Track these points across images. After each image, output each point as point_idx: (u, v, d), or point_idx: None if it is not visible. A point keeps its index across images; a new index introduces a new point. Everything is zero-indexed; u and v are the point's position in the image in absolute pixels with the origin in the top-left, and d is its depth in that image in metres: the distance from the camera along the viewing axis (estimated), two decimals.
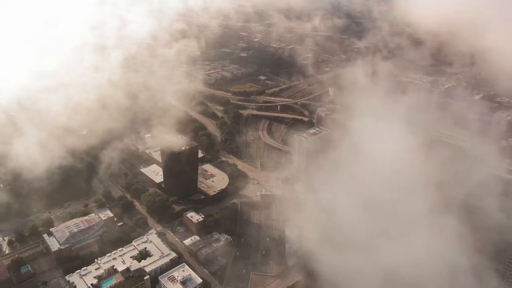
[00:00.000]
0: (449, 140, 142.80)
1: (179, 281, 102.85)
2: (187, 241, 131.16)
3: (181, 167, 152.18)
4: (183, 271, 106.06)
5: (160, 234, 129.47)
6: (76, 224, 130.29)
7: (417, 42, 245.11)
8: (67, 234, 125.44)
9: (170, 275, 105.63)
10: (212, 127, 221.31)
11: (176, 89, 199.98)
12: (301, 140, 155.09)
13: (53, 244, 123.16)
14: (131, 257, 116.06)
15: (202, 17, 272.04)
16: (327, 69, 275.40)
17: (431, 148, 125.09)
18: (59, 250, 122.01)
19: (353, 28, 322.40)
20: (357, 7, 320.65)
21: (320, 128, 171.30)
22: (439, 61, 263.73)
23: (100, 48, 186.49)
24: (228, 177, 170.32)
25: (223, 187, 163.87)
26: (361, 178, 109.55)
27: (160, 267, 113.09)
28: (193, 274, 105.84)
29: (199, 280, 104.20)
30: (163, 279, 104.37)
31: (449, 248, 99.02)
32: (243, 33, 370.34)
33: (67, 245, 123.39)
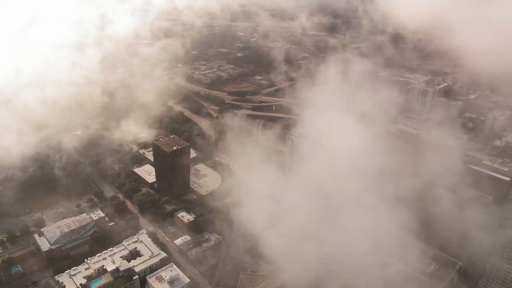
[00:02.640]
0: (415, 133, 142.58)
1: (166, 281, 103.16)
2: (178, 241, 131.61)
3: (173, 167, 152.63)
4: (170, 271, 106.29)
5: (150, 234, 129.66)
6: (67, 224, 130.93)
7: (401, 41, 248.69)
8: (58, 234, 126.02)
9: (158, 275, 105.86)
10: (206, 127, 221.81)
11: (170, 88, 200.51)
12: (292, 140, 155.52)
13: (44, 244, 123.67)
14: (121, 257, 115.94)
15: (186, 15, 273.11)
16: (323, 68, 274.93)
17: (394, 141, 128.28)
18: (50, 250, 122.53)
19: (348, 28, 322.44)
20: (349, 7, 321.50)
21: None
22: (421, 59, 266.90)
23: (96, 48, 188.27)
24: (221, 177, 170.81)
25: (216, 187, 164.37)
26: (321, 171, 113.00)
27: (150, 267, 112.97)
28: (181, 274, 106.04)
29: (187, 280, 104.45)
30: (151, 279, 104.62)
31: (389, 235, 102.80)
32: (240, 33, 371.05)
33: (58, 245, 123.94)
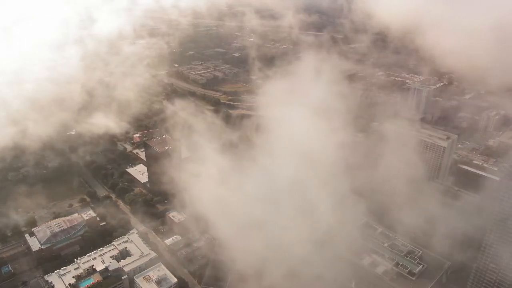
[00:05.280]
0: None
1: (154, 281, 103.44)
2: (168, 241, 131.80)
3: (164, 167, 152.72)
4: (158, 271, 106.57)
5: (141, 234, 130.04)
6: (58, 224, 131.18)
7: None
8: (49, 234, 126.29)
9: (146, 274, 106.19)
10: (201, 127, 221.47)
11: (166, 88, 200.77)
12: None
13: (34, 244, 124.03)
14: (111, 257, 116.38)
15: (174, 14, 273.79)
16: (315, 68, 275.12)
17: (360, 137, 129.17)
18: (40, 250, 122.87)
19: (341, 27, 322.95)
20: (337, 6, 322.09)
21: None
22: (400, 58, 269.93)
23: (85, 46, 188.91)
24: (214, 177, 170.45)
25: (209, 186, 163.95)
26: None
27: (139, 266, 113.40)
28: (169, 274, 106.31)
29: (174, 280, 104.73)
30: (138, 279, 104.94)
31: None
32: (237, 33, 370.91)
33: (48, 245, 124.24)
